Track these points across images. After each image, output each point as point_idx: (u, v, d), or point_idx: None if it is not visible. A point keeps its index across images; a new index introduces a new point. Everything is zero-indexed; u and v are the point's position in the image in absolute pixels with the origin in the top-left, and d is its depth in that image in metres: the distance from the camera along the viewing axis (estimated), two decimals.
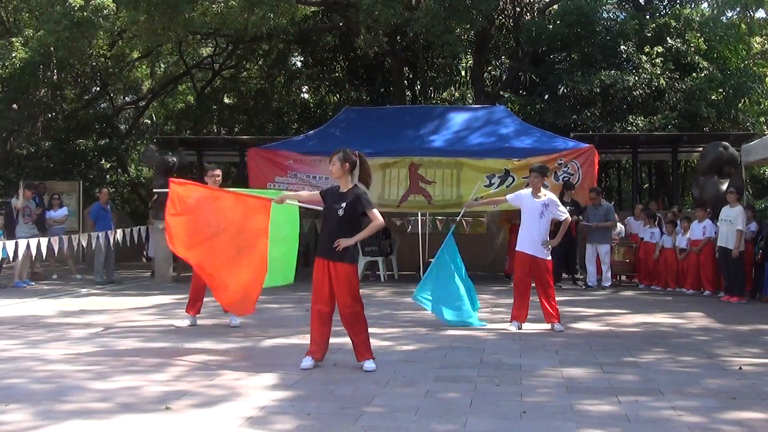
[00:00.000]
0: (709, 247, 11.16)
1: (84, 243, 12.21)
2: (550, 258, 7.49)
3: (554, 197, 7.66)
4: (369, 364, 5.44)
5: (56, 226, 13.36)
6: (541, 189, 7.54)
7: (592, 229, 12.03)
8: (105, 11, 14.33)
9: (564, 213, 7.57)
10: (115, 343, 6.71)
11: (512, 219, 11.98)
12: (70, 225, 15.19)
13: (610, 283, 12.07)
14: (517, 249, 7.54)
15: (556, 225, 7.69)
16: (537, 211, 7.37)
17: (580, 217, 11.84)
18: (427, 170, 12.36)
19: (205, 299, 7.76)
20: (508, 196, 7.88)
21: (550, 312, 7.46)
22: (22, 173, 19.00)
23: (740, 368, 5.59)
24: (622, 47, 17.90)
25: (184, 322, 7.66)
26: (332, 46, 22.15)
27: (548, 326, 7.50)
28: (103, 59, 20.65)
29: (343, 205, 5.39)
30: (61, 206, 13.97)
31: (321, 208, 5.67)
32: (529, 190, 7.60)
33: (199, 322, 7.83)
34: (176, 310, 8.67)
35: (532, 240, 7.37)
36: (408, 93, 21.38)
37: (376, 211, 5.47)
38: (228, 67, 24.10)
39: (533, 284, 7.53)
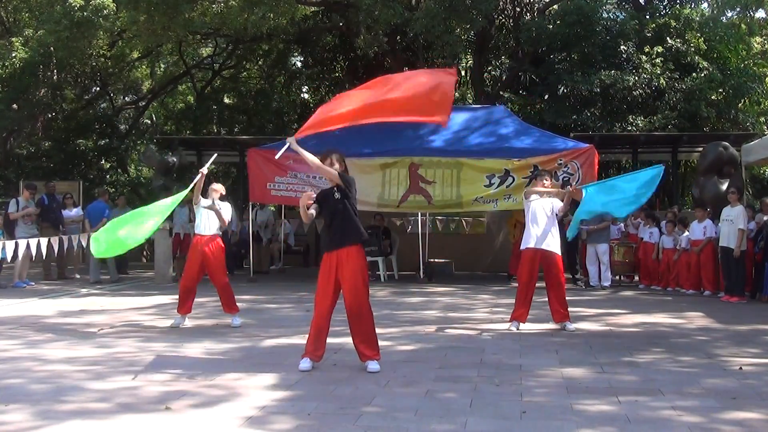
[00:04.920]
0: (709, 247, 11.15)
1: (84, 243, 12.19)
2: (560, 253, 7.45)
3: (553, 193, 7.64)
4: (373, 365, 5.41)
5: (73, 225, 13.31)
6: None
7: (589, 230, 12.03)
8: (105, 11, 14.35)
9: (560, 198, 7.49)
10: (114, 343, 6.71)
11: (520, 217, 11.91)
12: None
13: (609, 283, 12.07)
14: (522, 248, 7.50)
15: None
16: (547, 207, 7.38)
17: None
18: (427, 170, 12.36)
19: (204, 299, 7.74)
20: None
21: (561, 312, 7.43)
22: (22, 173, 19.02)
23: (740, 368, 5.58)
24: (622, 47, 17.88)
25: (178, 322, 7.68)
26: (332, 46, 22.14)
27: (549, 326, 7.48)
28: (103, 59, 20.66)
29: (336, 189, 5.58)
30: (75, 206, 13.92)
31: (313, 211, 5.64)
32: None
33: (199, 322, 7.82)
34: (176, 310, 8.64)
35: (542, 234, 7.30)
36: None
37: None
38: (228, 67, 24.11)
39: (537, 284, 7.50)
